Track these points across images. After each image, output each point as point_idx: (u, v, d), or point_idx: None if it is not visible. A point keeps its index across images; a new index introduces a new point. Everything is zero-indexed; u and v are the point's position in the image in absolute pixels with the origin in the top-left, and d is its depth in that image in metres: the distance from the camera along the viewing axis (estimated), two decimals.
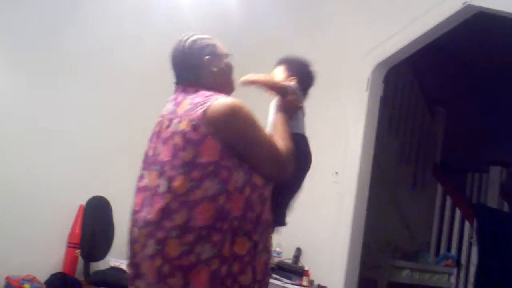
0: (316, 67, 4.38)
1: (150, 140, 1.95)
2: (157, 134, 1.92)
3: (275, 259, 3.80)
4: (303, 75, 2.22)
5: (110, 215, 3.90)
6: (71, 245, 3.81)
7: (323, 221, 3.88)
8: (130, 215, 1.90)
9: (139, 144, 2.11)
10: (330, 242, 3.79)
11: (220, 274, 1.74)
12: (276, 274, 3.65)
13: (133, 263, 1.86)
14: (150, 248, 1.76)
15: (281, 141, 1.91)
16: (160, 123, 1.93)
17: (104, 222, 3.84)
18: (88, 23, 3.96)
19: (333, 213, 3.82)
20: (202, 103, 1.81)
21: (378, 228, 4.78)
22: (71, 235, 3.84)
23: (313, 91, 4.48)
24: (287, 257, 3.87)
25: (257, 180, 1.84)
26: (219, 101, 1.82)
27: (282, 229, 4.21)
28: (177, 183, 1.76)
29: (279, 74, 2.18)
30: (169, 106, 1.94)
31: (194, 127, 1.77)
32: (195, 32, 2.04)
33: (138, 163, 1.95)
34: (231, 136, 1.80)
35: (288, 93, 2.08)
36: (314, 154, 4.24)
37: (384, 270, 4.91)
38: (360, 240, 3.82)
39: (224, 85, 2.00)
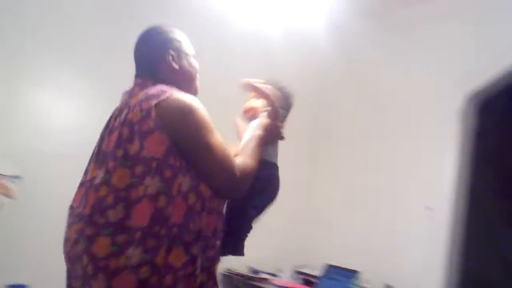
0: (407, 98, 4.27)
1: (101, 135, 1.82)
2: (106, 126, 1.80)
3: None
4: (288, 108, 2.15)
5: None
6: None
7: (414, 257, 3.71)
8: (68, 214, 1.77)
9: None
10: (422, 280, 3.62)
11: (148, 285, 1.55)
12: None
13: (68, 270, 1.73)
14: (80, 245, 1.60)
15: (244, 158, 1.79)
16: (112, 115, 1.82)
17: None
18: None
19: (425, 249, 3.65)
20: (157, 95, 1.68)
21: (475, 268, 4.51)
22: None
23: (404, 123, 4.34)
24: None
25: (204, 190, 1.68)
26: (175, 96, 1.69)
27: (370, 265, 4.07)
28: (116, 176, 1.61)
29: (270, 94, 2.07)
30: (123, 98, 1.84)
31: (143, 118, 1.63)
32: (164, 24, 1.94)
33: None
34: (181, 135, 1.65)
35: (279, 118, 2.01)
36: (401, 187, 4.11)
37: None
38: (455, 279, 3.62)
39: (184, 84, 1.86)
